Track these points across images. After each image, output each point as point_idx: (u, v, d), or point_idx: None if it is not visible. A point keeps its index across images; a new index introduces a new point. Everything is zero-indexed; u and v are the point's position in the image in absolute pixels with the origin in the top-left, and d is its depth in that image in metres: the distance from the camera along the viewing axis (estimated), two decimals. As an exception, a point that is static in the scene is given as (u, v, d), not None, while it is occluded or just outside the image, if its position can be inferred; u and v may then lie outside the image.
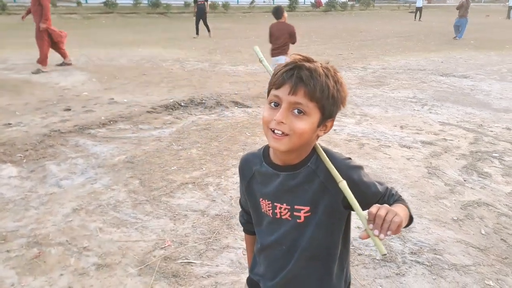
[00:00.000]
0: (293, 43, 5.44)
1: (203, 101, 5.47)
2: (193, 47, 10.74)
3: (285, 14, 5.54)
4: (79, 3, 21.61)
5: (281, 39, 5.33)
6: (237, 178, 3.26)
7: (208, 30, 13.17)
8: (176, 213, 2.76)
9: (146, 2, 23.81)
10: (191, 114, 5.02)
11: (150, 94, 5.84)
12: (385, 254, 0.93)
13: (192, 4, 14.66)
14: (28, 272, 2.14)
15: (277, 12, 5.46)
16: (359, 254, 2.34)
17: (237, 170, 3.37)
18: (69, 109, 4.95)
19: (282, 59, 5.15)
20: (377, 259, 2.30)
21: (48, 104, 5.16)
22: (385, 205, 0.88)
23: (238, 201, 2.89)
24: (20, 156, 3.58)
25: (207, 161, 3.64)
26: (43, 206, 2.80)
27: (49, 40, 7.23)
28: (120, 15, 19.53)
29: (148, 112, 4.96)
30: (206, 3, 13.06)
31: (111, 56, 8.87)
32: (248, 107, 5.35)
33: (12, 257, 2.26)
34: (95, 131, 4.24)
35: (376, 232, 0.85)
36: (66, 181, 3.18)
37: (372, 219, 0.86)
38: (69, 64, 7.67)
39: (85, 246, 2.37)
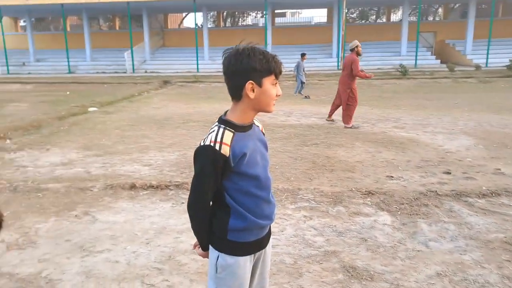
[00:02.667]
0: None
1: None
2: None
3: None
4: (478, 67, 21.45)
5: None
6: None
7: None
8: None
9: None
10: None
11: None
12: None
13: None
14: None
15: None
16: None
17: None
18: (449, 173, 4.94)
19: None
20: None
21: (429, 164, 5.36)
22: None
23: None
24: (396, 208, 3.89)
25: None
26: (409, 260, 2.90)
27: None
28: (525, 78, 17.73)
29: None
30: None
31: (504, 123, 8.16)
32: None
33: (374, 297, 2.47)
34: (473, 200, 4.00)
35: None
36: (434, 243, 3.17)
37: None
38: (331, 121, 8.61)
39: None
